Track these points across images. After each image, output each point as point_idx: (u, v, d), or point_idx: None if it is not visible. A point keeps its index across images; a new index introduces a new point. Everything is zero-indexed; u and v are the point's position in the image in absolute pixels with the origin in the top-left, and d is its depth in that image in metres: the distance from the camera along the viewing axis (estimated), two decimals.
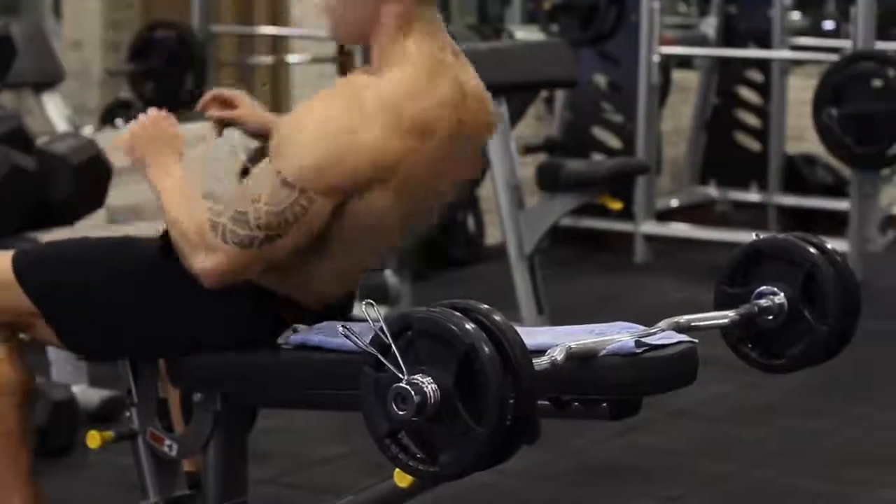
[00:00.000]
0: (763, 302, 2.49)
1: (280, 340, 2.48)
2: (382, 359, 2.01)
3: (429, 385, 1.98)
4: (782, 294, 2.48)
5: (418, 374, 1.99)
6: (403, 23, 2.38)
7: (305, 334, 2.47)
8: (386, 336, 2.01)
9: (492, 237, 6.01)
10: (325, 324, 2.50)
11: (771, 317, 2.48)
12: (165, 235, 2.54)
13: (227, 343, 2.50)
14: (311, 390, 2.52)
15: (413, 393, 1.97)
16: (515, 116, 5.02)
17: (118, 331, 2.56)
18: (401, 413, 1.98)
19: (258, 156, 2.45)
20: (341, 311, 2.56)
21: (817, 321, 2.47)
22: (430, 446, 2.02)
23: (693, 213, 6.83)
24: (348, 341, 2.38)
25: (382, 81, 2.34)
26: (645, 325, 2.35)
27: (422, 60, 2.36)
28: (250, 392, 2.60)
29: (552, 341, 2.26)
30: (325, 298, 2.52)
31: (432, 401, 1.98)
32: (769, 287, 2.49)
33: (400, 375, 1.99)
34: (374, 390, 2.03)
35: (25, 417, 2.64)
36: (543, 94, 6.66)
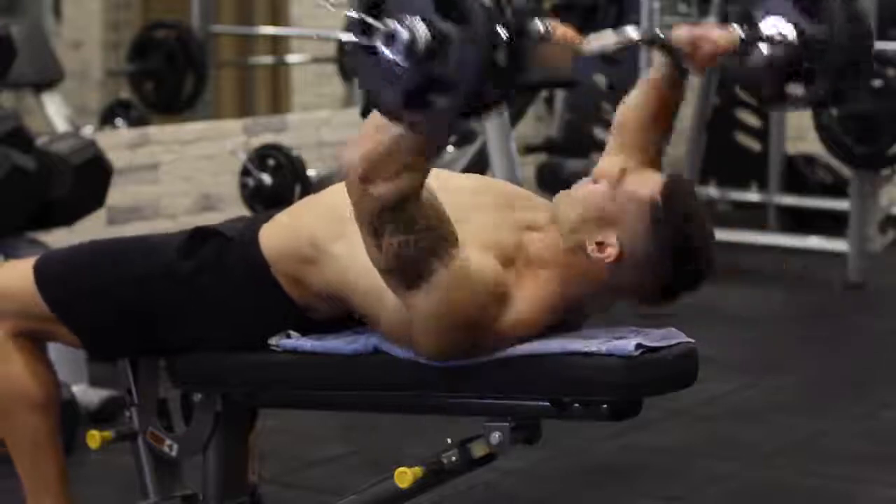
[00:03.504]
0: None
1: (271, 342, 2.48)
2: (367, 19, 1.96)
3: (416, 23, 1.94)
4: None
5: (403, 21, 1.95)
6: None
7: (298, 339, 2.47)
8: None
9: None
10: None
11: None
12: (191, 237, 2.53)
13: (239, 342, 2.51)
14: (313, 391, 2.52)
15: (402, 32, 1.93)
16: (515, 116, 5.02)
17: (135, 331, 2.56)
18: (395, 57, 1.94)
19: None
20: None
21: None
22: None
23: None
24: (340, 346, 2.39)
25: None
26: (644, 324, 2.36)
27: None
28: (253, 392, 2.60)
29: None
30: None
31: (422, 38, 1.93)
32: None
33: (388, 25, 1.95)
34: (366, 54, 1.97)
35: (53, 428, 2.63)
36: (543, 94, 6.66)
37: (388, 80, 1.97)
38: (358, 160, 2.17)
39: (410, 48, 1.94)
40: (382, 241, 2.21)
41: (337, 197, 2.49)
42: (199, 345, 2.53)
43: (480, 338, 2.31)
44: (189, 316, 2.51)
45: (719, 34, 2.55)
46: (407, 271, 2.23)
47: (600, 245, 2.34)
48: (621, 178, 2.36)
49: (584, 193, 2.39)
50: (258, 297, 2.48)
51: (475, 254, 2.28)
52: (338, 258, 2.41)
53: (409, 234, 2.20)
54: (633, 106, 2.65)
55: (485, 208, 2.42)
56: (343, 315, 2.49)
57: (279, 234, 2.49)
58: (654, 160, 2.60)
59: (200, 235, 2.54)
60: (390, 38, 1.95)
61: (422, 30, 1.93)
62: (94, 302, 2.55)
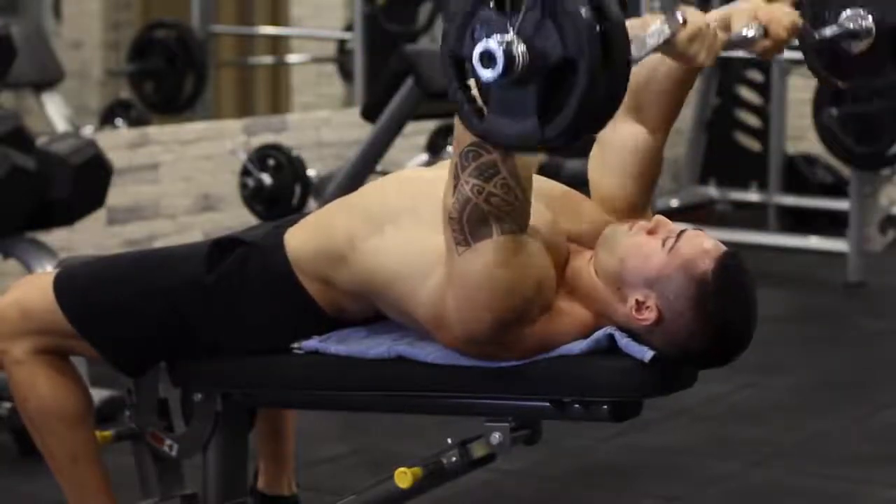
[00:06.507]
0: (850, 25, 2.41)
1: (294, 345, 2.48)
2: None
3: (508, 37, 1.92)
4: (870, 17, 2.40)
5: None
6: None
7: (319, 341, 2.47)
8: None
9: None
10: (344, 331, 2.50)
11: (858, 41, 2.40)
12: (214, 246, 2.53)
13: (265, 347, 2.51)
14: (315, 391, 2.52)
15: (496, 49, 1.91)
16: None
17: (161, 343, 2.55)
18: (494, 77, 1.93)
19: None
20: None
21: None
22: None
23: (693, 213, 6.84)
24: (363, 350, 2.39)
25: None
26: None
27: None
28: (256, 393, 2.60)
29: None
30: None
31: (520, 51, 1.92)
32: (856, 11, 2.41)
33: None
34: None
35: (89, 439, 2.61)
36: None
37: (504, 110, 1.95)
38: None
39: (510, 59, 1.91)
40: (461, 178, 2.17)
41: (370, 198, 2.49)
42: (225, 353, 2.53)
43: (509, 333, 2.27)
44: (215, 325, 2.50)
45: (786, 11, 2.38)
46: (466, 221, 2.18)
47: (639, 304, 2.28)
48: (678, 238, 2.28)
49: (635, 245, 2.31)
50: (283, 303, 2.47)
51: (534, 244, 2.25)
52: (374, 252, 2.39)
53: (486, 182, 2.16)
54: (651, 68, 2.47)
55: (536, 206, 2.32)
56: (370, 315, 2.49)
57: (311, 235, 2.48)
58: (667, 119, 2.49)
59: (222, 245, 2.53)
60: (487, 59, 1.92)
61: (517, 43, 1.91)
62: (117, 315, 2.54)
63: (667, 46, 2.18)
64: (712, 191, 7.14)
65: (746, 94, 7.18)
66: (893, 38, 2.40)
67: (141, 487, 2.72)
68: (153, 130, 5.73)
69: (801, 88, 6.90)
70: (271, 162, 5.28)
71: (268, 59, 8.05)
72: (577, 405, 2.32)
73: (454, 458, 2.38)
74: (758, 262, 6.02)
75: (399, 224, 2.38)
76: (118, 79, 7.06)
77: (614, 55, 1.91)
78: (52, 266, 3.67)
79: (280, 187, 5.23)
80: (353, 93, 6.74)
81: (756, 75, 7.10)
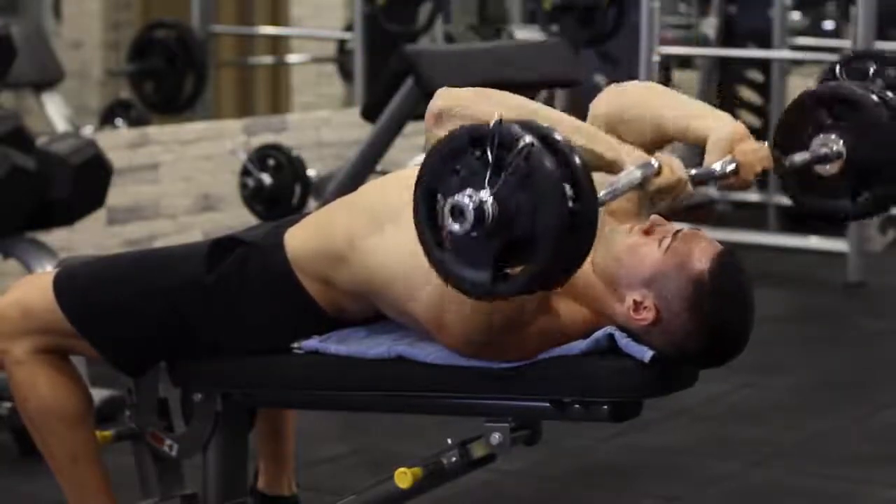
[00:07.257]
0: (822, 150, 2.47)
1: (294, 345, 2.48)
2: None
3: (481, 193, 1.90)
4: (841, 142, 2.46)
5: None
6: None
7: (319, 341, 2.47)
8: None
9: None
10: (344, 331, 2.50)
11: (828, 165, 2.46)
12: (214, 246, 2.53)
13: (265, 347, 2.51)
14: (315, 391, 2.52)
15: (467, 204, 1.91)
16: None
17: (160, 343, 2.55)
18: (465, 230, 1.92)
19: None
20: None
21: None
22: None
23: (693, 213, 6.83)
24: (363, 350, 2.39)
25: None
26: None
27: None
28: (256, 393, 2.60)
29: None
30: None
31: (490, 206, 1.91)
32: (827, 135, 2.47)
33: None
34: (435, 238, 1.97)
35: (89, 439, 2.61)
36: (543, 94, 6.66)
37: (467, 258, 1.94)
38: (439, 101, 2.21)
39: (480, 217, 1.90)
40: None
41: (370, 197, 2.49)
42: (225, 353, 2.53)
43: (508, 334, 2.27)
44: (215, 325, 2.50)
45: (760, 155, 2.44)
46: None
47: (637, 304, 2.28)
48: (674, 237, 2.29)
49: (632, 245, 2.31)
50: (283, 303, 2.48)
51: None
52: (374, 251, 2.39)
53: None
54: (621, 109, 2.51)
55: None
56: (370, 315, 2.49)
57: (311, 234, 2.48)
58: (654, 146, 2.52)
59: (222, 245, 2.53)
60: (457, 213, 1.91)
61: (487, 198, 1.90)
62: (117, 315, 2.54)
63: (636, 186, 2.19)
64: (712, 191, 7.13)
65: (746, 94, 7.17)
66: (861, 163, 2.47)
67: (141, 487, 2.72)
68: (153, 130, 5.72)
69: (801, 88, 6.89)
70: (271, 162, 5.27)
71: (268, 59, 8.06)
72: (577, 405, 2.32)
73: (454, 458, 2.38)
74: (758, 262, 6.03)
75: (399, 223, 2.38)
76: (118, 79, 7.06)
77: (581, 233, 1.91)
78: (52, 266, 3.67)
79: (280, 187, 5.23)
80: (353, 93, 6.74)
81: (756, 75, 7.10)
